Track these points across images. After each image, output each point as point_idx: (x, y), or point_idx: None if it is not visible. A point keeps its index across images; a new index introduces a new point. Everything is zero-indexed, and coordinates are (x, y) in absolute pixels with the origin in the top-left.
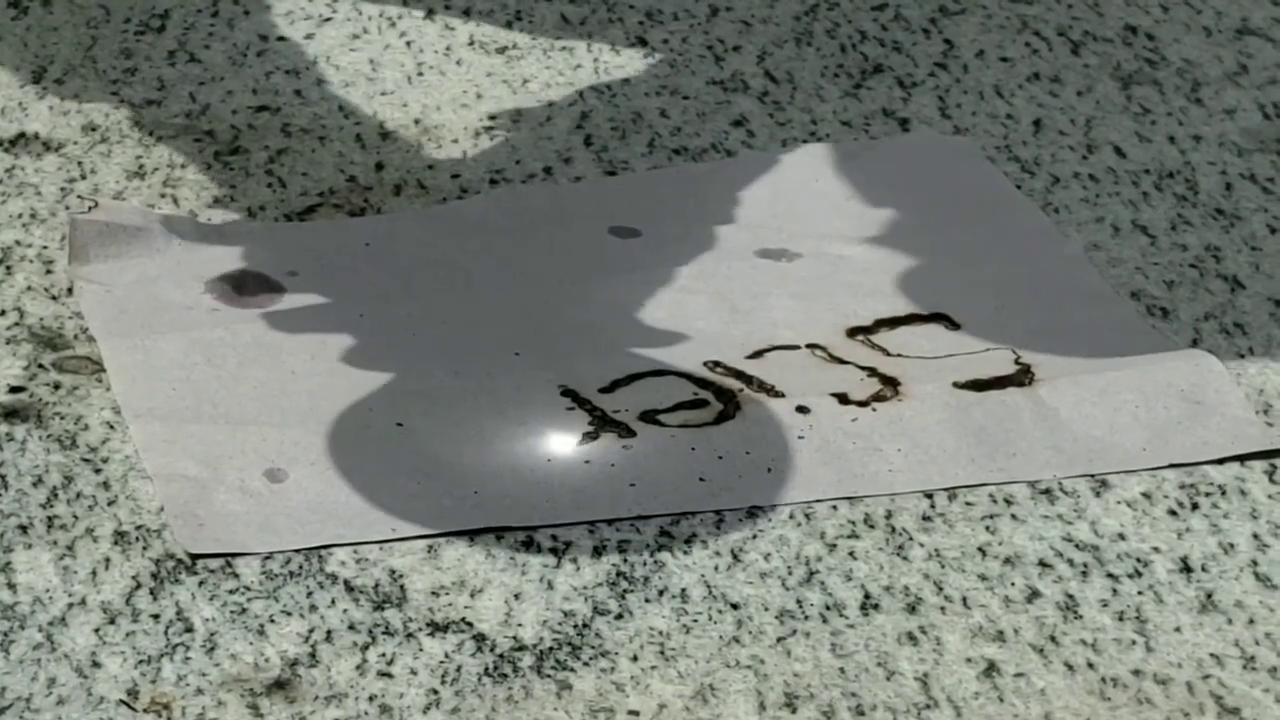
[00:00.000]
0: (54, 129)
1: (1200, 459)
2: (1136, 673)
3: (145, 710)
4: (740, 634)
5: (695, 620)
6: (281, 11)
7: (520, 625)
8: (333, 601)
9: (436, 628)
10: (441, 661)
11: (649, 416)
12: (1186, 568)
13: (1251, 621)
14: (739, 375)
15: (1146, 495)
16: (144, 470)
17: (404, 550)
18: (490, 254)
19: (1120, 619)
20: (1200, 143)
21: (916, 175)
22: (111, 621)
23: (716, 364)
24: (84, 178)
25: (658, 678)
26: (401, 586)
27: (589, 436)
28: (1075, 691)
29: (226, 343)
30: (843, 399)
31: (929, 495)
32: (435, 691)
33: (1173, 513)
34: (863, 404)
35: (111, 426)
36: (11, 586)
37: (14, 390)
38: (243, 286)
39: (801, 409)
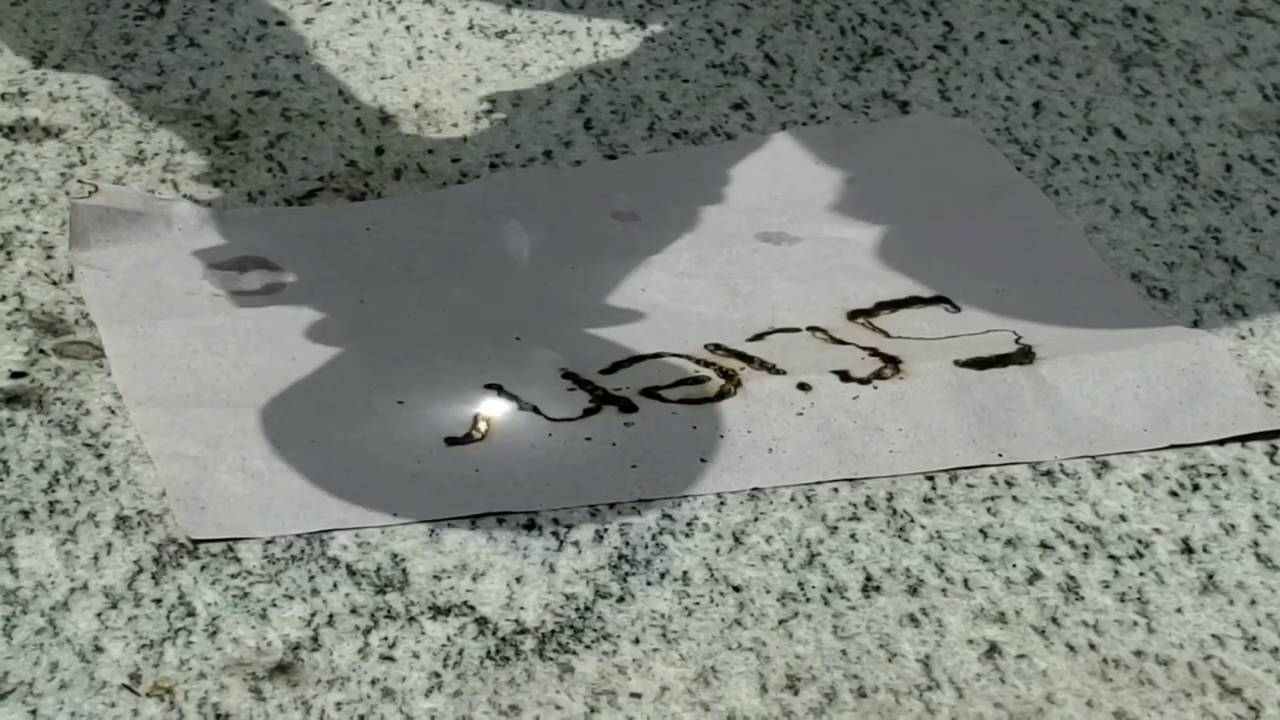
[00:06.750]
0: (54, 114)
1: (1201, 440)
2: (1138, 654)
3: (148, 694)
4: (742, 616)
5: (697, 603)
6: None
7: (522, 608)
8: (335, 585)
9: (438, 611)
10: (443, 645)
11: (650, 392)
12: (1188, 549)
13: (1253, 602)
14: (740, 356)
15: (1147, 476)
16: (145, 455)
17: (405, 534)
18: (490, 238)
19: (1122, 600)
20: (1200, 124)
21: (916, 158)
22: (114, 606)
23: (717, 346)
24: (84, 163)
25: (660, 660)
26: (403, 570)
27: (590, 411)
28: (1077, 673)
29: (227, 329)
30: (844, 376)
31: (930, 477)
32: (437, 675)
33: (1174, 494)
34: (864, 381)
35: (113, 411)
36: (14, 571)
37: (15, 375)
38: (243, 271)
39: (803, 386)
